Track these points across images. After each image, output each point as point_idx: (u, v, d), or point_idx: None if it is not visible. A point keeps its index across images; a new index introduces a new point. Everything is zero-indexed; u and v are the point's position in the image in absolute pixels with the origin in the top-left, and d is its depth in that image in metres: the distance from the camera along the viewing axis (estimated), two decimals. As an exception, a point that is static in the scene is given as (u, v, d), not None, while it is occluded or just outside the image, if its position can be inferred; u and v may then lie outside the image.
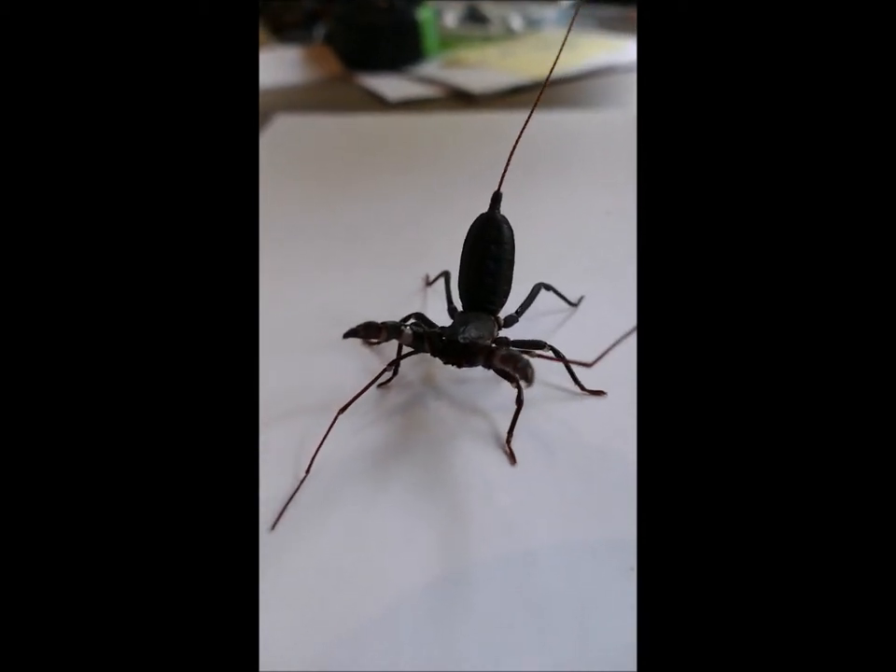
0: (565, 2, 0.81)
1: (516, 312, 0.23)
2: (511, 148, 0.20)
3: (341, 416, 0.19)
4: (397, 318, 0.23)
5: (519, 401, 0.19)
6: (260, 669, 0.14)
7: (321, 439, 0.19)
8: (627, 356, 0.22)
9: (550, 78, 0.20)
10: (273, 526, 0.17)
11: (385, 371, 0.21)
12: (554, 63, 0.20)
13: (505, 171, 0.21)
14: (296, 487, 0.18)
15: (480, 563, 0.16)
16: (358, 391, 0.19)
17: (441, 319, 0.23)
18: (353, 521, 0.17)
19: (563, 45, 0.21)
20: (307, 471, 0.18)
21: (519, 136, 0.21)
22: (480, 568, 0.16)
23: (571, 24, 0.22)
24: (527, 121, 0.21)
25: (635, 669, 0.14)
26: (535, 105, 0.20)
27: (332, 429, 0.19)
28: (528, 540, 0.17)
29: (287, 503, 0.17)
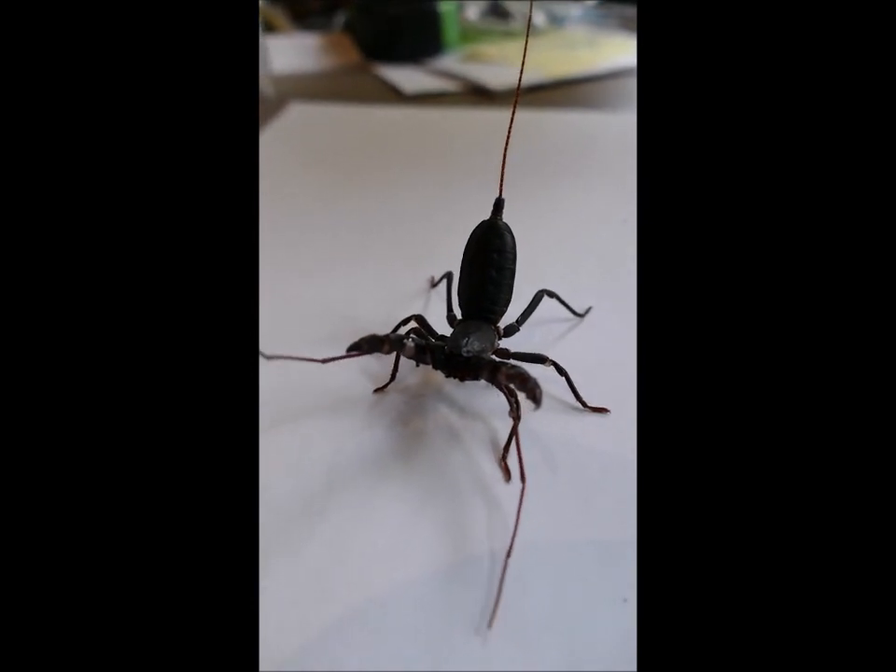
0: (590, 0, 0.80)
1: (517, 321, 0.22)
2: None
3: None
4: (399, 318, 0.23)
5: (516, 417, 0.19)
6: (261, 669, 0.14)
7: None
8: (631, 373, 0.22)
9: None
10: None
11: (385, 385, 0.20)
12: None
13: (502, 176, 0.21)
14: None
15: (467, 573, 0.16)
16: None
17: (444, 320, 0.23)
18: (343, 525, 0.17)
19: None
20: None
21: (507, 142, 0.21)
22: (467, 579, 0.16)
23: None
24: (510, 127, 0.21)
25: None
26: (514, 111, 0.20)
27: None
28: (519, 556, 0.16)
29: None
